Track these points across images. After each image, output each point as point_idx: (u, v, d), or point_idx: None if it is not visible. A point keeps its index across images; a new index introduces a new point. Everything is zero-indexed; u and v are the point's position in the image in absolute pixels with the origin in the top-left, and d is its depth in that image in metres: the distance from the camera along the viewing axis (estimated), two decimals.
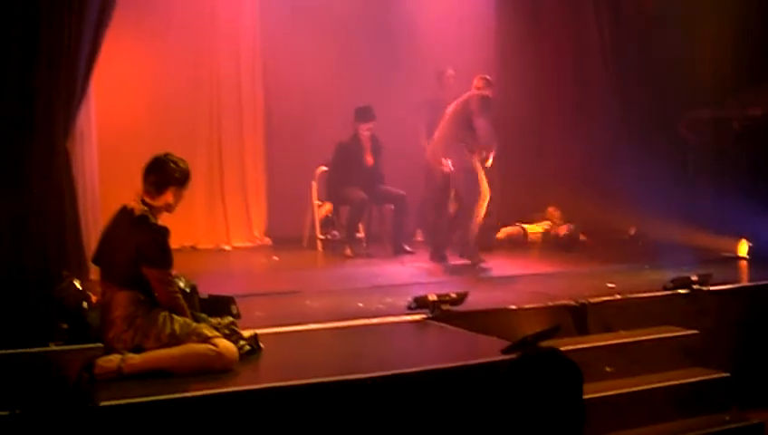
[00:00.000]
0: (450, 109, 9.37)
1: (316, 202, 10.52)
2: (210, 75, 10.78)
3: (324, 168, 10.50)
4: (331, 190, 10.22)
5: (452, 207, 9.42)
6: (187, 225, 10.23)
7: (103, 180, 8.16)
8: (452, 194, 9.39)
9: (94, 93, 7.95)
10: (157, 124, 10.06)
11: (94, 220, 7.56)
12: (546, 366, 2.65)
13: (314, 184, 10.54)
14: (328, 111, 10.87)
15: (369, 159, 10.18)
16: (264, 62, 11.03)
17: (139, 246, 5.08)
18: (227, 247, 10.65)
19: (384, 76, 10.97)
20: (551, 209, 10.80)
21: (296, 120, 10.87)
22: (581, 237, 10.48)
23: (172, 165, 5.25)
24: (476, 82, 9.59)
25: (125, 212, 5.21)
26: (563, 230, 10.35)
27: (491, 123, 9.53)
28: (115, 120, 9.49)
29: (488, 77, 9.62)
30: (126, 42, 9.47)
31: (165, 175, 5.22)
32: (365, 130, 10.13)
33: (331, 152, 10.33)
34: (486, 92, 9.41)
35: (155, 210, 5.22)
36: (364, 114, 10.11)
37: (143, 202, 5.21)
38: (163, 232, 5.16)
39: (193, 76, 10.66)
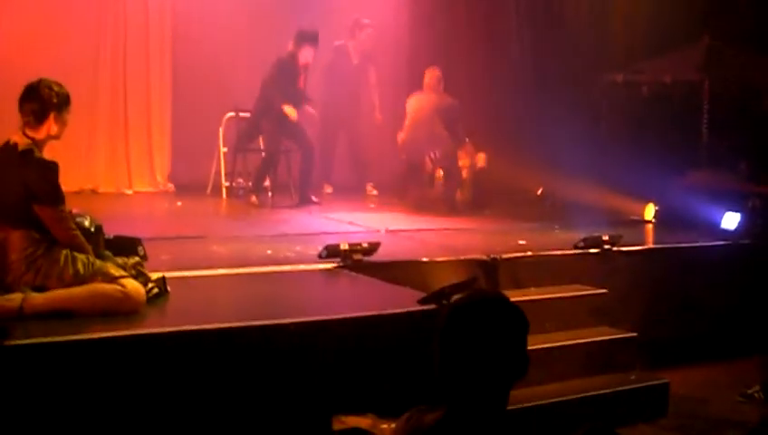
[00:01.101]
0: (426, 106, 9.66)
1: (223, 149, 10.28)
2: (117, 15, 10.39)
3: (231, 114, 10.26)
4: (262, 103, 9.74)
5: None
6: (87, 167, 10.01)
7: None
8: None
9: None
10: (59, 63, 9.50)
11: None
12: (492, 311, 2.54)
13: (221, 130, 10.29)
14: (237, 57, 10.62)
15: (302, 83, 9.81)
16: (173, 4, 10.72)
17: (28, 183, 4.79)
18: (129, 191, 10.33)
19: (295, 24, 10.74)
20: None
21: (204, 65, 10.54)
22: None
23: (47, 90, 4.89)
24: (433, 77, 9.81)
25: (8, 148, 4.88)
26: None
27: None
28: (15, 55, 9.08)
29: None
30: None
31: (42, 101, 4.86)
32: (306, 55, 9.71)
33: (237, 99, 10.11)
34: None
35: (40, 143, 4.89)
36: (310, 38, 9.71)
37: (26, 136, 4.88)
38: (51, 166, 4.85)
39: (99, 15, 10.28)
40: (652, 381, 6.54)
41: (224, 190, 10.16)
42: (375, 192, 10.75)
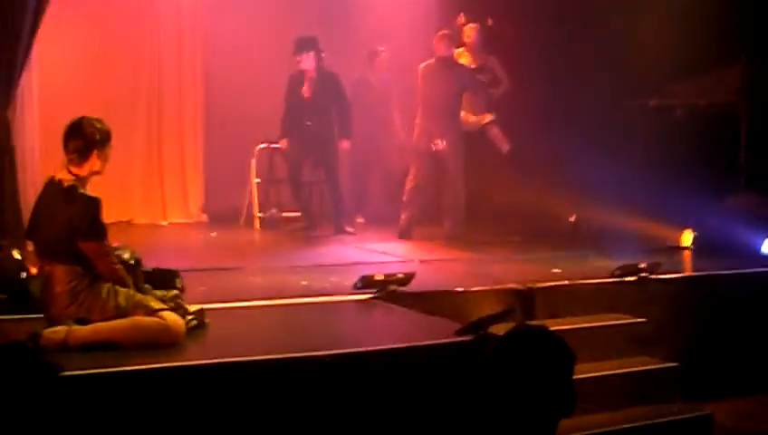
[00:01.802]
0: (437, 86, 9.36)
1: (255, 180, 10.37)
2: (151, 48, 10.63)
3: (263, 145, 10.35)
4: (285, 126, 9.90)
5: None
6: (123, 199, 10.12)
7: (43, 151, 7.84)
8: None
9: (35, 63, 7.69)
10: (97, 95, 9.80)
11: (34, 191, 7.24)
12: (538, 344, 2.52)
13: (253, 162, 10.41)
14: (268, 89, 10.52)
15: (305, 91, 9.70)
16: (204, 37, 10.89)
17: (72, 219, 4.88)
18: (163, 223, 10.43)
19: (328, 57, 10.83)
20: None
21: (236, 97, 10.59)
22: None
23: (90, 127, 5.00)
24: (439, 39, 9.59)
25: (53, 184, 5.02)
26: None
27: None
28: (56, 91, 9.23)
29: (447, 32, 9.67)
30: (68, 11, 9.27)
31: (85, 139, 4.96)
32: (307, 63, 9.68)
33: (270, 130, 10.18)
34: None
35: (83, 179, 5.00)
36: (307, 45, 9.71)
37: (70, 172, 4.99)
38: (94, 203, 4.93)
39: (134, 49, 10.52)
40: (695, 412, 6.38)
41: (257, 221, 10.22)
42: None
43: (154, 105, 10.59)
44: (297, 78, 9.72)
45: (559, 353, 2.54)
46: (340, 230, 9.79)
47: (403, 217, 9.53)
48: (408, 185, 9.58)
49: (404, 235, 9.45)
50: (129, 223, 10.07)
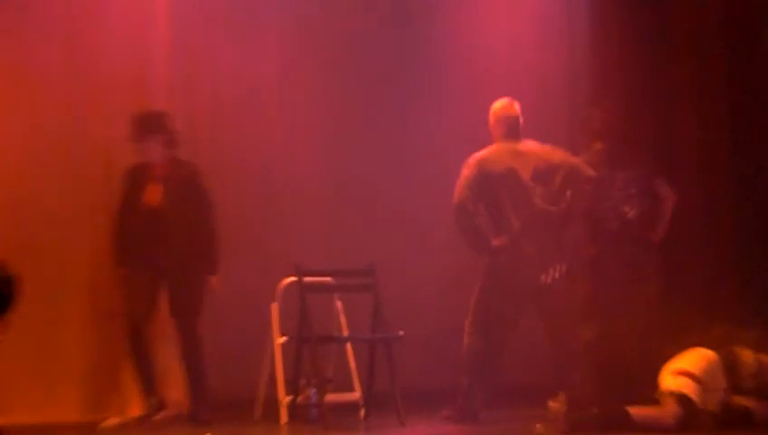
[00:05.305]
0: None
1: (279, 340, 6.55)
2: None
3: (292, 279, 6.68)
4: None
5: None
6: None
7: None
8: None
9: None
10: None
11: None
12: None
13: (274, 307, 6.62)
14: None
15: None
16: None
17: None
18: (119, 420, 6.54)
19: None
20: None
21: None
22: None
23: None
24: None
25: None
26: None
27: None
28: None
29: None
30: None
31: None
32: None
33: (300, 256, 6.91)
34: None
35: None
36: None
37: None
38: None
39: None
40: None
41: (283, 411, 6.44)
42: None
43: None
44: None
45: None
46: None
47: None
48: None
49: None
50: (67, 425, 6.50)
